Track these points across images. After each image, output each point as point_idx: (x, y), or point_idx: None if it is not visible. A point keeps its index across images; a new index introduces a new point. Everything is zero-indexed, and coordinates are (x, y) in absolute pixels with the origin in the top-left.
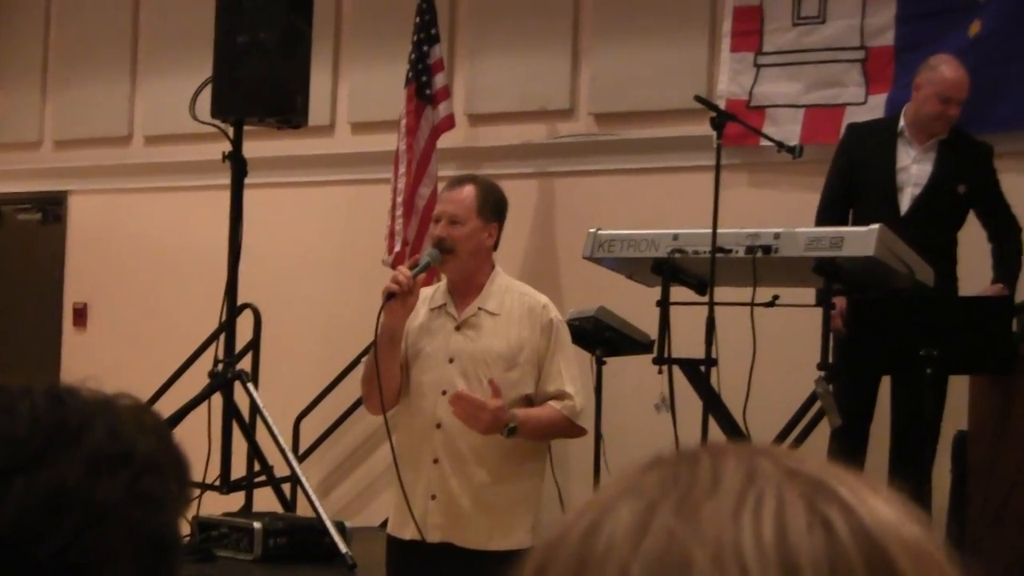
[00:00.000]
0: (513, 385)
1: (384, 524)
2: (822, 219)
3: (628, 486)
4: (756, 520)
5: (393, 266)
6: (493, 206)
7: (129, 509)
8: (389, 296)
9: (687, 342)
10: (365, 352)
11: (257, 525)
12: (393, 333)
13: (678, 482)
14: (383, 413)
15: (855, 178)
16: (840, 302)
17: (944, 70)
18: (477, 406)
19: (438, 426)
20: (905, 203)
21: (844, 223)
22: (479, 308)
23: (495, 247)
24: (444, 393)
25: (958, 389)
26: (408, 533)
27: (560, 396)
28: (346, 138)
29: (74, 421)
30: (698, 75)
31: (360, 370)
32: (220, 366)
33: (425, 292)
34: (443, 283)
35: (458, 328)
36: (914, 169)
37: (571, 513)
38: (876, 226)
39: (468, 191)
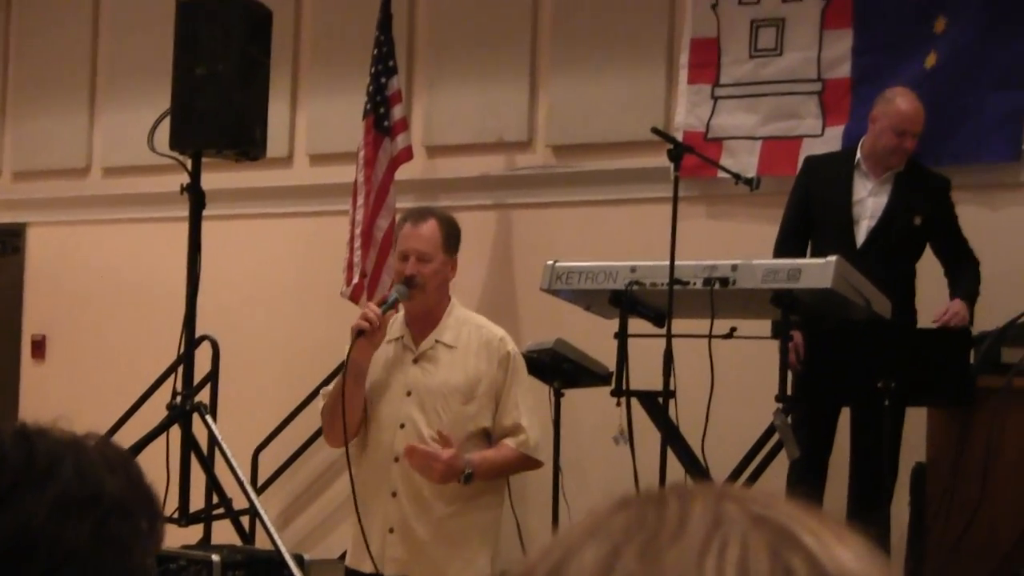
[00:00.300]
0: (471, 418)
1: (343, 556)
2: (780, 252)
3: (594, 527)
4: (719, 568)
5: (352, 298)
6: (454, 240)
7: (96, 551)
8: (359, 334)
9: (645, 374)
10: (324, 384)
11: (216, 558)
12: (360, 369)
13: (644, 525)
14: (345, 446)
15: (812, 211)
16: (796, 337)
17: (900, 103)
18: (430, 458)
19: (396, 459)
20: (861, 235)
21: (802, 256)
22: (436, 341)
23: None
24: (402, 427)
25: (916, 421)
26: (367, 566)
27: (515, 430)
28: (304, 170)
29: (42, 462)
30: (655, 107)
31: (319, 402)
32: (178, 398)
33: None
34: (400, 315)
35: (416, 361)
36: (870, 202)
37: (537, 551)
38: (833, 258)
39: (432, 227)
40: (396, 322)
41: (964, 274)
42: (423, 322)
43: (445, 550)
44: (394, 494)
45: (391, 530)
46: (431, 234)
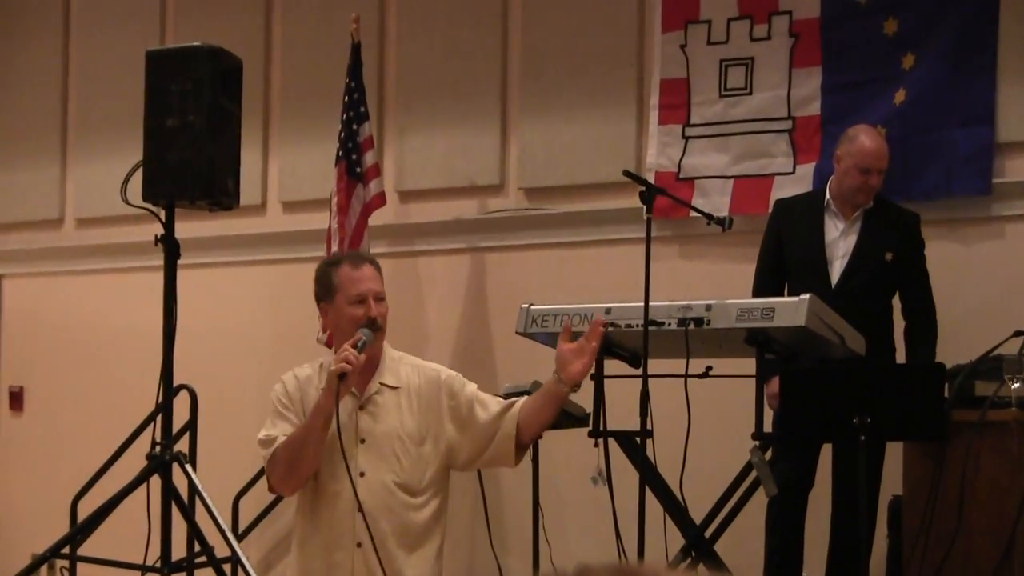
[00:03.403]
0: (427, 461)
1: None
2: (758, 294)
3: None
4: None
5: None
6: None
7: None
8: (342, 376)
9: (622, 414)
10: None
11: None
12: (331, 414)
13: None
14: (296, 491)
15: (786, 254)
16: (773, 385)
17: (863, 140)
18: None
19: (360, 509)
20: (835, 275)
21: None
22: (380, 384)
23: None
24: (363, 475)
25: (893, 455)
26: None
27: (506, 407)
28: (277, 217)
29: None
30: (627, 148)
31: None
32: (157, 448)
33: (301, 372)
34: (327, 360)
35: (362, 407)
36: (842, 242)
37: None
38: (806, 296)
39: (373, 268)
40: (326, 368)
41: (924, 340)
42: (363, 366)
43: None
44: (359, 545)
45: None
46: (378, 276)
